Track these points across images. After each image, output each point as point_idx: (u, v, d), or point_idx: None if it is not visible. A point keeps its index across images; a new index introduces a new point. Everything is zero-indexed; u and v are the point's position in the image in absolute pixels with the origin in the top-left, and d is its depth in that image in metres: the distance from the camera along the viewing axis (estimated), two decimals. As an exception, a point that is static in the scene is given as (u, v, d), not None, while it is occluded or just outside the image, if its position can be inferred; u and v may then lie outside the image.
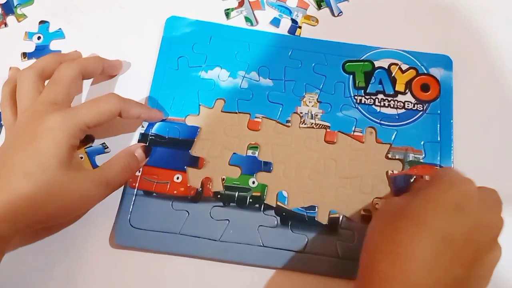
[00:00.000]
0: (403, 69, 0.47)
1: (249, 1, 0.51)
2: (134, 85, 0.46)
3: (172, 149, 0.43)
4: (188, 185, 0.42)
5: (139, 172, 0.42)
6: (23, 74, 0.39)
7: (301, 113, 0.45)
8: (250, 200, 0.42)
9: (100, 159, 0.44)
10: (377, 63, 0.47)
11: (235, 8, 0.51)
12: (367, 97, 0.46)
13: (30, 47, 0.49)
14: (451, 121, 0.45)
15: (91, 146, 0.44)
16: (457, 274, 0.29)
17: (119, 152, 0.41)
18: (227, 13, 0.50)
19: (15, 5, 0.50)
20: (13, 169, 0.33)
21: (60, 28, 0.49)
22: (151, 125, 0.44)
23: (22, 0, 0.50)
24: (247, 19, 0.50)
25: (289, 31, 0.50)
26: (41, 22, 0.50)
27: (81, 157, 0.43)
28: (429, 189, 0.32)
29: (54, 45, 0.49)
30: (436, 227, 0.29)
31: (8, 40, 0.49)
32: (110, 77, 0.47)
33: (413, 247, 0.29)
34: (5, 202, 0.32)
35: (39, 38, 0.49)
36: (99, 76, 0.46)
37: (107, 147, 0.44)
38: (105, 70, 0.44)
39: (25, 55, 0.48)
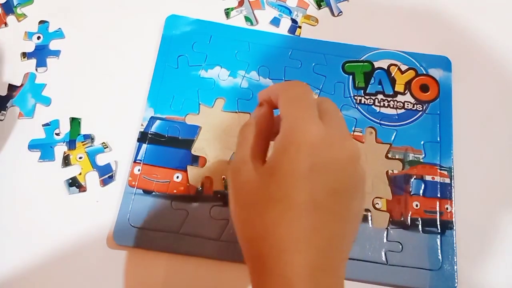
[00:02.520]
0: (403, 69, 0.48)
1: (249, 1, 0.51)
2: (134, 84, 0.46)
3: (172, 148, 0.43)
4: (188, 184, 0.42)
5: (139, 171, 0.42)
6: None
7: (301, 113, 0.45)
8: None
9: (100, 159, 0.43)
10: (376, 64, 0.48)
11: (235, 8, 0.51)
12: (366, 97, 0.46)
13: (30, 47, 0.48)
14: (451, 121, 0.45)
15: (91, 146, 0.44)
16: (332, 233, 0.27)
17: None
18: (227, 13, 0.50)
19: (15, 4, 0.50)
20: None
21: (59, 28, 0.49)
22: (150, 123, 0.44)
23: (22, 0, 0.50)
24: (247, 19, 0.50)
25: (289, 31, 0.50)
26: (41, 22, 0.49)
27: (81, 157, 0.43)
28: (275, 162, 0.27)
29: (53, 44, 0.48)
30: (300, 201, 0.26)
31: (8, 40, 0.49)
32: None
33: (283, 233, 0.26)
34: None
35: (38, 38, 0.48)
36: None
37: (107, 147, 0.44)
38: None
39: (24, 55, 0.48)
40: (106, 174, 0.43)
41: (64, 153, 0.43)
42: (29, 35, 0.48)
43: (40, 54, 0.48)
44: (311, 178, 0.26)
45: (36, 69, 0.47)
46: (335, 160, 0.27)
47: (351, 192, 0.28)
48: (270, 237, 0.26)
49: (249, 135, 0.31)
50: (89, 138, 0.44)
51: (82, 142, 0.44)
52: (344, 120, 0.31)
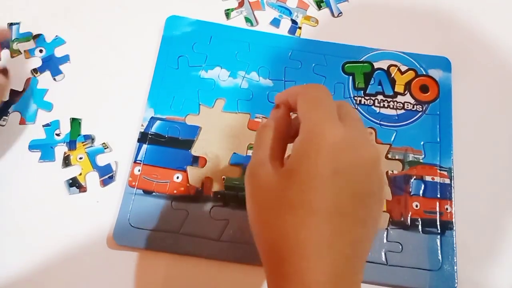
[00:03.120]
0: (402, 70, 0.48)
1: (249, 2, 0.51)
2: (134, 84, 0.46)
3: (172, 148, 0.43)
4: (188, 185, 0.42)
5: (139, 171, 0.42)
6: None
7: (301, 113, 0.45)
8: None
9: (100, 159, 0.43)
10: (376, 64, 0.48)
11: (235, 9, 0.51)
12: (366, 98, 0.46)
13: (37, 62, 0.48)
14: (451, 121, 0.45)
15: (92, 146, 0.44)
16: (354, 238, 0.26)
17: None
18: (227, 13, 0.50)
19: (12, 39, 0.49)
20: None
21: (57, 36, 0.49)
22: (151, 124, 0.44)
23: (22, 35, 0.49)
24: (247, 20, 0.50)
25: (289, 32, 0.50)
26: (35, 36, 0.49)
27: (81, 158, 0.43)
28: (295, 165, 0.27)
29: (58, 52, 0.48)
30: (322, 206, 0.25)
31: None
32: None
33: (305, 238, 0.25)
34: None
35: (41, 51, 0.48)
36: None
37: (108, 147, 0.44)
38: None
39: (36, 71, 0.47)
40: (107, 175, 0.43)
41: (65, 153, 0.44)
42: (30, 52, 0.48)
43: (51, 65, 0.48)
44: (333, 182, 0.26)
45: (55, 79, 0.47)
46: (357, 164, 0.27)
47: (372, 196, 0.28)
48: (291, 241, 0.26)
49: (267, 137, 0.30)
50: (89, 138, 0.44)
51: (82, 142, 0.44)
52: (363, 123, 0.30)
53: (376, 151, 0.28)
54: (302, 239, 0.25)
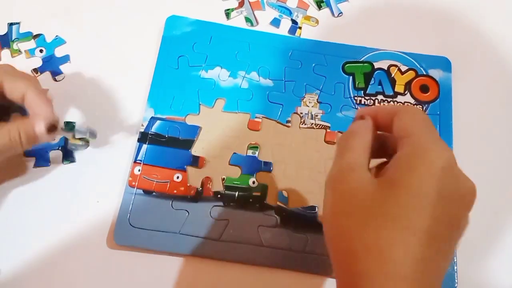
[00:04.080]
0: (403, 70, 0.48)
1: (249, 2, 0.51)
2: (134, 84, 0.46)
3: (172, 148, 0.43)
4: (188, 185, 0.42)
5: (139, 171, 0.42)
6: None
7: (301, 113, 0.45)
8: (250, 200, 0.42)
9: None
10: (376, 64, 0.48)
11: (236, 9, 0.51)
12: (367, 98, 0.46)
13: (37, 62, 0.48)
14: (451, 121, 0.45)
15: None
16: (438, 268, 0.26)
17: (19, 120, 0.37)
18: (228, 13, 0.50)
19: (12, 38, 0.49)
20: None
21: (57, 35, 0.49)
22: (151, 124, 0.44)
23: (22, 35, 0.49)
24: (247, 20, 0.50)
25: (289, 32, 0.50)
26: (35, 36, 0.49)
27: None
28: (399, 177, 0.26)
29: (59, 51, 0.48)
30: (421, 227, 0.25)
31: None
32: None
33: (393, 254, 0.24)
34: None
35: (41, 51, 0.48)
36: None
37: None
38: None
39: (36, 71, 0.47)
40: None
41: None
42: (31, 52, 0.48)
43: (51, 65, 0.48)
44: (436, 204, 0.25)
45: (55, 79, 0.47)
46: (460, 193, 0.26)
47: (462, 229, 0.27)
48: (376, 254, 0.24)
49: (357, 144, 0.29)
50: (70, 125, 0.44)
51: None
52: None
53: (474, 185, 0.28)
54: (390, 253, 0.24)
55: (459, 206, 0.26)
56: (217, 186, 0.42)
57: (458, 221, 0.26)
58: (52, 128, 0.37)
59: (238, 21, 0.50)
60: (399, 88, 0.47)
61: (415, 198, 0.25)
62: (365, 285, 0.24)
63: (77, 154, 0.44)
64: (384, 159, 0.31)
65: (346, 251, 0.26)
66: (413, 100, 0.46)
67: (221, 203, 0.42)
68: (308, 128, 0.45)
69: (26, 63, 0.48)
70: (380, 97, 0.46)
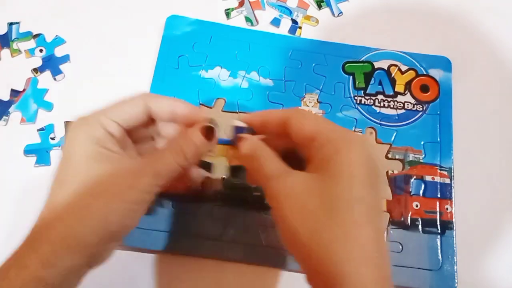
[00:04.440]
0: (403, 70, 0.48)
1: (249, 1, 0.51)
2: (135, 84, 0.46)
3: (172, 148, 0.43)
4: (189, 185, 0.42)
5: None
6: None
7: (301, 113, 0.45)
8: (250, 200, 0.42)
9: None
10: (376, 64, 0.48)
11: (236, 8, 0.51)
12: (367, 97, 0.46)
13: (37, 62, 0.48)
14: (451, 121, 0.45)
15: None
16: (382, 227, 0.29)
17: (172, 139, 0.34)
18: (228, 13, 0.50)
19: (12, 38, 0.49)
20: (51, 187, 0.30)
21: (57, 35, 0.49)
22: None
23: (21, 35, 0.49)
24: (247, 19, 0.50)
25: (289, 31, 0.50)
26: (35, 36, 0.49)
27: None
28: (339, 163, 0.27)
29: (59, 51, 0.48)
30: (367, 209, 0.26)
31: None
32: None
33: (362, 244, 0.26)
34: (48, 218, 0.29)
35: (41, 51, 0.48)
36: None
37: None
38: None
39: (36, 70, 0.47)
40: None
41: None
42: (30, 51, 0.48)
43: (51, 64, 0.48)
44: (369, 189, 0.27)
45: (55, 78, 0.47)
46: (378, 169, 0.28)
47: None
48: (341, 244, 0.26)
49: (266, 154, 0.30)
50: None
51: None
52: None
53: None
54: (356, 239, 0.26)
55: (375, 168, 0.28)
56: (217, 186, 0.42)
57: (378, 182, 0.29)
58: (209, 131, 0.33)
59: (238, 20, 0.50)
60: (399, 88, 0.47)
61: (354, 177, 0.26)
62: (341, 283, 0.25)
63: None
64: None
65: (308, 246, 0.27)
66: (413, 100, 0.46)
67: (221, 203, 0.42)
68: (308, 128, 0.45)
69: (26, 63, 0.48)
70: (380, 96, 0.46)
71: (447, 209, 0.42)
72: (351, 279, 0.25)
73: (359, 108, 0.46)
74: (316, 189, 0.27)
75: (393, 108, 0.46)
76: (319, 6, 0.51)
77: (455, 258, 0.40)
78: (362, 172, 0.27)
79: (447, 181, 0.43)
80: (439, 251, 0.41)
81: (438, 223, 0.42)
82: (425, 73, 0.47)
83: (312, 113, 0.34)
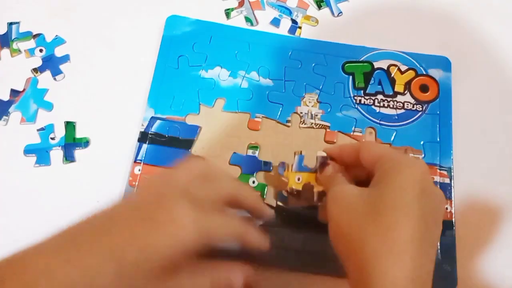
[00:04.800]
0: (402, 70, 0.48)
1: (249, 1, 0.51)
2: (134, 84, 0.46)
3: (172, 148, 0.43)
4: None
5: (139, 171, 0.42)
6: None
7: (301, 113, 0.45)
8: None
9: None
10: (376, 64, 0.48)
11: (235, 8, 0.51)
12: (366, 97, 0.46)
13: (37, 62, 0.48)
14: (450, 121, 0.45)
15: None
16: (431, 258, 0.29)
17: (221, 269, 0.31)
18: (227, 13, 0.50)
19: (12, 38, 0.49)
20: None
21: (57, 35, 0.49)
22: (151, 124, 0.44)
23: (21, 35, 0.49)
24: (247, 19, 0.50)
25: (289, 31, 0.50)
26: (35, 36, 0.49)
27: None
28: (384, 180, 0.30)
29: (59, 51, 0.48)
30: (416, 215, 0.28)
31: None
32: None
33: (399, 243, 0.28)
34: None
35: (41, 50, 0.48)
36: None
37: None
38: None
39: (36, 70, 0.47)
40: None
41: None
42: (30, 51, 0.48)
43: (51, 64, 0.48)
44: (420, 200, 0.29)
45: (55, 78, 0.47)
46: (437, 193, 0.31)
47: (439, 230, 0.31)
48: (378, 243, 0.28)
49: (340, 174, 0.35)
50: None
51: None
52: None
53: (442, 194, 0.32)
54: (399, 242, 0.28)
55: (438, 203, 0.31)
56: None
57: (439, 214, 0.30)
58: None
59: (238, 21, 0.50)
60: (399, 87, 0.47)
61: (402, 194, 0.29)
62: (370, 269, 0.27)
63: (77, 154, 0.44)
64: None
65: (351, 248, 0.30)
66: (413, 100, 0.46)
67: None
68: (308, 127, 0.45)
69: (26, 63, 0.48)
70: (380, 96, 0.46)
71: (447, 209, 0.42)
72: (380, 271, 0.27)
73: (358, 108, 0.46)
74: (369, 197, 0.30)
75: (392, 108, 0.46)
76: (319, 6, 0.51)
77: (455, 258, 0.40)
78: (411, 186, 0.29)
79: (447, 181, 0.43)
80: (439, 251, 0.41)
81: (437, 223, 0.42)
82: (424, 73, 0.48)
83: (378, 143, 0.42)
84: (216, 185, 0.31)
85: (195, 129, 0.44)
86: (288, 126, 0.45)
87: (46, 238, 0.27)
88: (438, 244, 0.41)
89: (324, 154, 0.37)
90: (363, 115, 0.46)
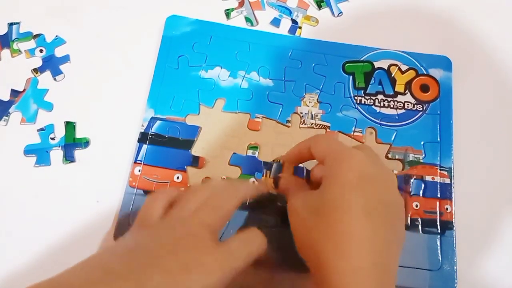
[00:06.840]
0: (403, 69, 0.48)
1: (249, 1, 0.51)
2: (134, 84, 0.46)
3: (172, 148, 0.43)
4: (188, 185, 0.42)
5: (139, 171, 0.42)
6: None
7: (301, 113, 0.45)
8: (250, 200, 0.42)
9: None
10: (376, 64, 0.48)
11: (236, 8, 0.51)
12: (367, 97, 0.46)
13: (37, 62, 0.48)
14: (451, 121, 0.45)
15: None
16: (389, 240, 0.30)
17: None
18: (227, 13, 0.50)
19: (12, 38, 0.49)
20: None
21: (57, 35, 0.49)
22: (151, 124, 0.44)
23: (22, 35, 0.49)
24: (247, 19, 0.50)
25: (289, 31, 0.50)
26: (35, 36, 0.49)
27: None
28: (334, 173, 0.32)
29: (59, 51, 0.48)
30: (358, 206, 0.30)
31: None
32: None
33: (350, 234, 0.29)
34: None
35: (41, 51, 0.48)
36: None
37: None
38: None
39: (36, 71, 0.47)
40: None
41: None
42: (31, 51, 0.48)
43: (51, 65, 0.48)
44: (361, 186, 0.30)
45: (55, 79, 0.47)
46: (380, 176, 0.32)
47: (396, 208, 0.32)
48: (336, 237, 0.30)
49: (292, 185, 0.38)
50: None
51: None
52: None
53: (393, 173, 0.34)
54: (351, 233, 0.29)
55: (382, 185, 0.32)
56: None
57: (387, 198, 0.32)
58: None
59: (238, 21, 0.50)
60: (399, 87, 0.47)
61: (344, 186, 0.30)
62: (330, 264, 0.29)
63: (77, 154, 0.44)
64: None
65: (310, 242, 0.31)
66: (413, 100, 0.46)
67: None
68: (308, 128, 0.45)
69: (26, 63, 0.48)
70: (380, 96, 0.46)
71: (447, 209, 0.42)
72: (337, 270, 0.28)
73: (359, 108, 0.46)
74: (313, 202, 0.32)
75: (393, 108, 0.46)
76: (319, 6, 0.51)
77: (455, 258, 0.40)
78: (348, 180, 0.30)
79: (447, 181, 0.43)
80: (439, 251, 0.41)
81: (438, 223, 0.42)
82: (425, 72, 0.47)
83: (327, 136, 0.41)
84: (221, 204, 0.34)
85: (195, 130, 0.44)
86: (288, 127, 0.45)
87: (87, 272, 0.30)
88: (438, 243, 0.41)
89: (278, 163, 0.40)
90: (364, 115, 0.45)
